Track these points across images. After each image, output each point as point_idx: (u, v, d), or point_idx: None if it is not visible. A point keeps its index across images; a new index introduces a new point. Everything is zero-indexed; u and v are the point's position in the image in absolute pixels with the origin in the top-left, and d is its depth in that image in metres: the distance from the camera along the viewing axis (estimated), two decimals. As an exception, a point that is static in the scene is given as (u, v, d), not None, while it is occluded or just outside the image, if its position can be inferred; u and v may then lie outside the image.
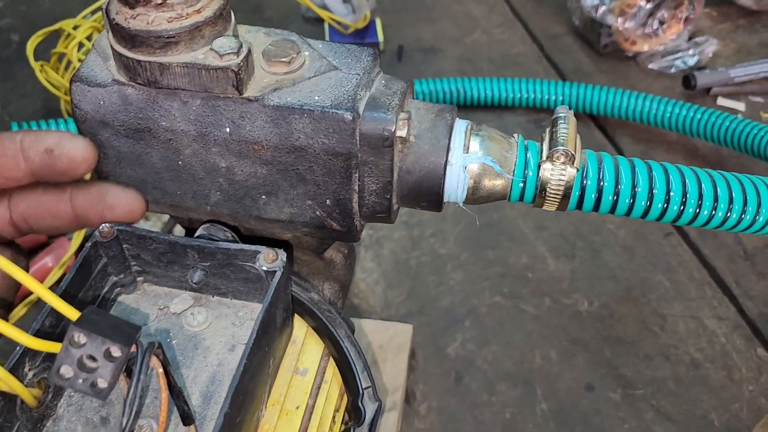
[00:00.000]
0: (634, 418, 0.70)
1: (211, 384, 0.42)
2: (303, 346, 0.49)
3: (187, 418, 0.37)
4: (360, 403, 0.46)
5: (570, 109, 1.02)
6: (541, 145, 0.45)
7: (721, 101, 1.03)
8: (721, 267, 0.83)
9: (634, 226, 0.87)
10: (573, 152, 0.43)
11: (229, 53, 0.40)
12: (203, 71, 0.40)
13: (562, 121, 0.44)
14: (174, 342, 0.44)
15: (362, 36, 1.08)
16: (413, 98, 0.47)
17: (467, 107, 1.00)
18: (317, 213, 0.46)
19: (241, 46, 0.41)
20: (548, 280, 0.81)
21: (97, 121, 0.44)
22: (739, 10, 1.17)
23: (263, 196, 0.46)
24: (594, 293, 0.80)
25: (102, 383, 0.33)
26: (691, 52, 1.06)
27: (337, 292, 0.56)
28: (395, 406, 0.63)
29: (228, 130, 0.43)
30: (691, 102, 1.03)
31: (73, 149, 0.42)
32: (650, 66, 1.06)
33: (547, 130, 0.45)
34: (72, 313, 0.33)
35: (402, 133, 0.41)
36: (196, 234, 0.47)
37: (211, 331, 0.44)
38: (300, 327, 0.49)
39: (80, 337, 0.32)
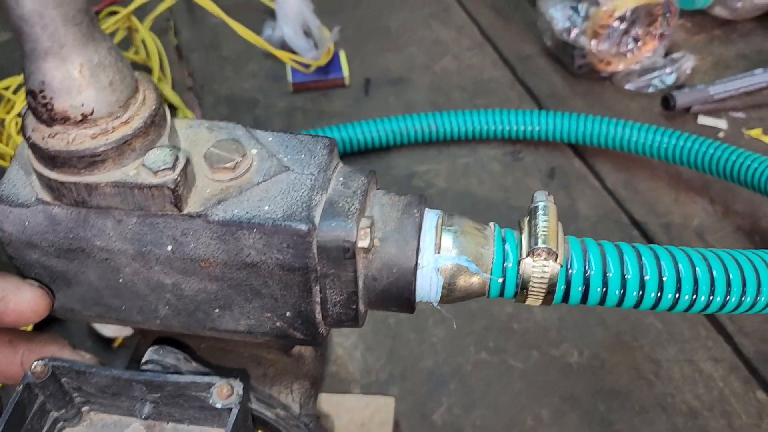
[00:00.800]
0: (633, 479, 0.66)
1: None
2: (272, 466, 0.44)
3: None
4: None
5: (549, 138, 0.96)
6: (520, 236, 0.41)
7: (702, 119, 0.99)
8: (713, 302, 0.79)
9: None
10: (555, 249, 0.39)
11: (163, 169, 0.35)
12: (136, 190, 0.36)
13: (542, 213, 0.40)
14: (125, 482, 0.40)
15: (326, 72, 1.03)
16: (377, 188, 0.43)
17: (440, 143, 0.96)
18: (277, 324, 0.42)
19: (177, 159, 0.36)
20: (535, 331, 0.77)
21: (24, 243, 0.39)
22: (713, 21, 1.13)
23: (216, 310, 0.41)
24: (583, 342, 0.76)
25: None
26: (668, 70, 1.02)
27: (308, 390, 0.51)
28: (380, 492, 0.59)
29: (170, 248, 0.38)
30: (671, 122, 1.00)
31: (19, 303, 0.38)
32: (627, 86, 1.03)
33: (526, 220, 0.41)
34: None
35: (364, 243, 0.37)
36: (144, 359, 0.43)
37: (167, 465, 0.40)
38: (267, 444, 0.45)
39: None
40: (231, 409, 0.37)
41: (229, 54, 1.11)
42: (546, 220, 0.40)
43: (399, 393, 0.71)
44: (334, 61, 1.04)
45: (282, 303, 0.40)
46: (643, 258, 0.41)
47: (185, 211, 0.37)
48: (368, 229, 0.37)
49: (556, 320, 0.78)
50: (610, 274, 0.40)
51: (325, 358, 0.55)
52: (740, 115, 1.00)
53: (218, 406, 0.37)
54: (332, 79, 1.03)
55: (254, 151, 0.40)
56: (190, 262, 0.38)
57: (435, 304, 0.42)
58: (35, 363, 0.38)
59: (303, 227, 0.36)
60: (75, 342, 0.58)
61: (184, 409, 0.40)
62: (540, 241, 0.39)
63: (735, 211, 0.89)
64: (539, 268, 0.40)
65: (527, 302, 0.41)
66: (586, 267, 0.40)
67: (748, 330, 0.77)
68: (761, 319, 0.78)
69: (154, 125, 0.37)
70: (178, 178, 0.36)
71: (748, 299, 0.42)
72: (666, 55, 1.05)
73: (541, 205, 0.41)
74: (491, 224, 0.42)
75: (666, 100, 0.98)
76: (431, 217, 0.41)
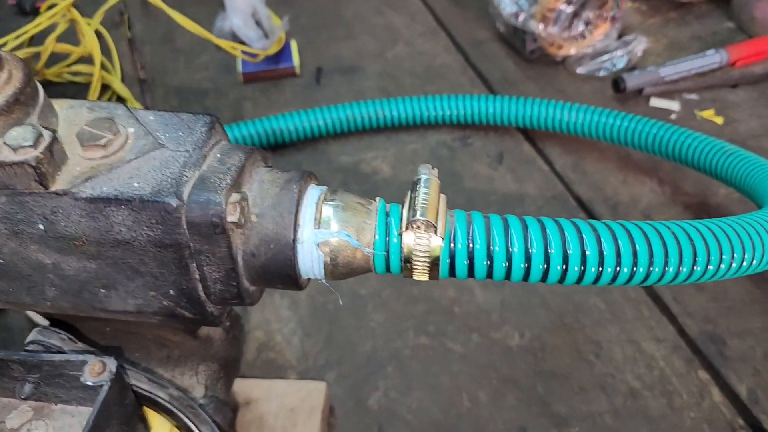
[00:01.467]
0: (569, 459, 0.66)
1: None
2: (168, 447, 0.44)
3: None
4: None
5: (499, 122, 0.95)
6: (402, 210, 0.40)
7: (654, 102, 0.99)
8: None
9: (566, 246, 0.83)
10: (434, 221, 0.38)
11: (24, 146, 0.35)
12: (-1, 168, 0.35)
13: (423, 185, 0.40)
14: (9, 466, 0.39)
15: (276, 61, 1.02)
16: (264, 166, 0.43)
17: (390, 129, 0.95)
18: (164, 303, 0.41)
19: (40, 136, 0.35)
20: (476, 314, 0.76)
21: None
22: (669, 3, 1.12)
23: (102, 290, 0.41)
24: (525, 324, 0.75)
25: None
26: (619, 53, 1.01)
27: (216, 372, 0.51)
28: (306, 477, 0.59)
29: (42, 227, 0.38)
30: (623, 105, 1.00)
31: None
32: (579, 70, 1.02)
33: (408, 194, 0.41)
34: None
35: (233, 218, 0.36)
36: (27, 340, 0.43)
37: (53, 448, 0.40)
38: (162, 426, 0.44)
39: None
40: (102, 386, 0.37)
41: (182, 46, 1.10)
42: (426, 193, 0.39)
43: (335, 378, 0.71)
44: (284, 51, 1.04)
45: (162, 281, 0.39)
46: (529, 230, 0.40)
47: (52, 189, 0.36)
48: (238, 204, 0.37)
49: (498, 303, 0.77)
50: (496, 248, 0.40)
51: (239, 341, 0.54)
52: (693, 96, 1.00)
53: (89, 383, 0.37)
54: (282, 69, 1.03)
55: (131, 130, 0.40)
56: (64, 240, 0.38)
57: (322, 280, 0.41)
58: None
59: (171, 202, 0.36)
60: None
61: (67, 390, 0.40)
62: (419, 213, 0.38)
63: (684, 191, 0.88)
64: (422, 241, 0.39)
65: (414, 277, 0.41)
66: (470, 240, 0.40)
67: (692, 310, 0.76)
68: (706, 299, 0.77)
69: (18, 104, 0.36)
70: (41, 155, 0.35)
71: (625, 270, 0.41)
72: (619, 37, 1.04)
73: (423, 178, 0.40)
74: (377, 199, 0.42)
75: (616, 83, 0.98)
76: (312, 193, 0.40)
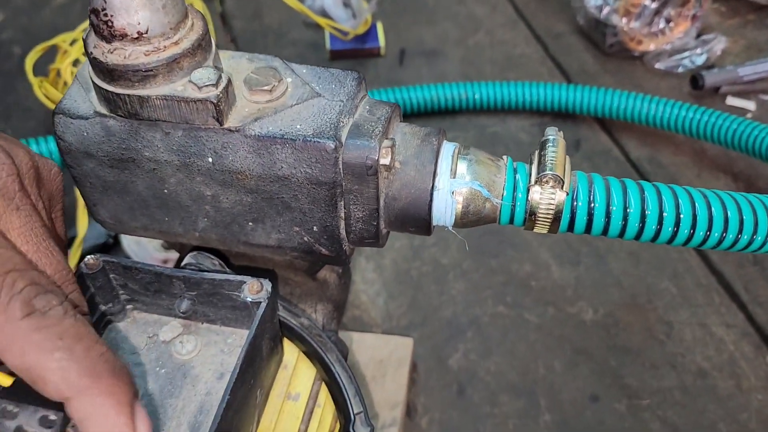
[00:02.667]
0: (639, 429, 0.69)
1: (199, 414, 0.42)
2: (294, 371, 0.48)
3: None
4: (351, 429, 0.46)
5: (576, 111, 1.00)
6: (530, 167, 0.44)
7: (731, 101, 1.01)
8: (729, 273, 0.81)
9: (639, 231, 0.86)
10: (562, 177, 0.42)
11: (207, 85, 0.40)
12: (182, 103, 0.40)
13: (551, 144, 0.44)
14: (163, 371, 0.44)
15: (363, 41, 1.07)
16: (400, 121, 0.47)
17: (470, 112, 0.99)
18: (305, 239, 0.46)
19: (220, 77, 0.40)
20: (552, 288, 0.80)
21: (81, 152, 0.44)
22: (748, 5, 1.14)
23: (250, 223, 0.46)
24: (599, 301, 0.79)
25: None
26: (698, 50, 1.04)
27: (331, 312, 0.55)
28: (395, 422, 0.63)
29: (211, 160, 0.42)
30: (699, 102, 1.02)
31: None
32: (657, 66, 1.04)
33: (536, 152, 0.44)
34: (4, 379, 0.33)
35: (386, 161, 0.41)
36: (183, 262, 0.47)
37: (200, 359, 0.44)
38: (291, 352, 0.49)
39: (13, 407, 0.32)
40: (260, 303, 0.41)
41: (271, 23, 1.15)
42: (555, 151, 0.43)
43: (418, 338, 0.75)
44: (371, 31, 1.08)
45: (310, 217, 0.44)
46: (645, 193, 0.44)
47: (226, 126, 0.41)
48: (389, 149, 0.41)
49: (573, 279, 0.81)
50: (613, 208, 0.44)
51: (348, 288, 0.59)
52: (769, 97, 1.02)
53: (248, 300, 0.42)
54: (369, 48, 1.07)
55: (289, 80, 0.44)
56: (229, 174, 0.42)
57: (449, 228, 0.45)
58: (88, 257, 0.43)
59: (330, 144, 0.40)
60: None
61: (217, 309, 0.45)
62: (548, 168, 0.42)
63: (758, 188, 0.91)
64: (547, 195, 0.43)
65: (536, 229, 0.45)
66: (591, 198, 0.43)
67: (763, 300, 0.79)
68: (775, 290, 0.80)
69: (200, 48, 0.41)
70: (221, 94, 0.40)
71: (745, 237, 0.45)
72: (698, 36, 1.06)
73: (551, 138, 0.44)
74: (504, 157, 0.46)
75: (695, 80, 1.00)
76: (448, 147, 0.44)
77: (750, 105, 1.00)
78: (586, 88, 0.94)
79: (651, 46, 1.04)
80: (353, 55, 1.07)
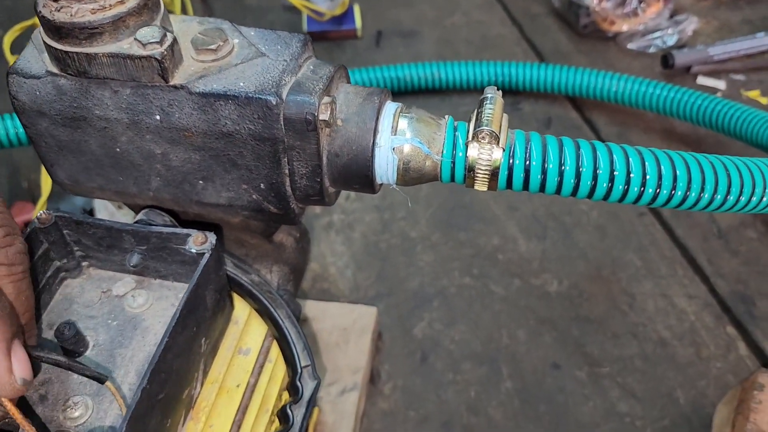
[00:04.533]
0: (599, 395, 0.70)
1: (146, 362, 0.43)
2: (245, 327, 0.50)
3: (98, 380, 0.39)
4: (298, 381, 0.47)
5: (548, 90, 1.01)
6: (469, 125, 0.45)
7: (701, 80, 1.02)
8: (693, 246, 0.83)
9: (606, 207, 0.87)
10: (497, 132, 0.44)
11: (152, 42, 0.41)
12: (128, 61, 0.41)
13: (489, 102, 0.45)
14: (115, 323, 0.45)
15: (340, 23, 1.08)
16: (348, 82, 0.48)
17: (444, 92, 1.01)
18: (253, 197, 0.47)
19: (164, 35, 0.41)
20: (518, 261, 0.81)
21: (35, 111, 0.45)
22: (722, -13, 1.16)
23: (200, 181, 0.47)
24: (564, 273, 0.80)
25: None
26: (670, 31, 1.05)
27: (287, 274, 0.57)
28: (356, 387, 0.64)
29: (158, 117, 0.44)
30: (670, 81, 1.03)
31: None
32: (629, 46, 1.06)
33: (475, 110, 0.46)
34: None
35: (325, 116, 0.42)
36: (135, 219, 0.49)
37: (151, 312, 0.46)
38: (243, 308, 0.50)
39: None
40: (203, 254, 0.43)
41: (250, 4, 1.17)
42: (491, 108, 0.44)
43: (384, 308, 0.76)
44: (348, 13, 1.09)
45: (256, 174, 0.45)
46: (581, 150, 0.45)
47: (171, 83, 0.42)
48: (329, 104, 0.42)
49: (539, 253, 0.82)
50: (549, 166, 0.45)
51: (306, 252, 0.60)
52: (740, 77, 1.03)
53: (193, 251, 0.43)
54: (345, 30, 1.08)
55: (236, 41, 0.45)
56: (176, 131, 0.44)
57: (393, 185, 0.47)
58: (41, 211, 0.44)
59: (271, 99, 0.41)
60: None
61: (167, 264, 0.46)
62: (484, 124, 0.43)
63: (725, 164, 0.92)
64: (485, 152, 0.44)
65: (475, 186, 0.46)
66: (528, 155, 0.45)
67: (725, 272, 0.80)
68: (739, 263, 0.81)
69: (146, 8, 0.42)
70: (165, 52, 0.41)
71: (679, 193, 0.46)
72: (670, 17, 1.08)
73: (489, 96, 0.45)
74: (446, 116, 0.47)
75: (665, 59, 1.01)
76: (391, 106, 0.46)
77: (720, 84, 1.01)
78: (556, 67, 0.96)
79: (624, 26, 1.06)
80: (330, 37, 1.09)
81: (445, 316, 0.76)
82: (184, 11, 1.08)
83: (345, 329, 0.69)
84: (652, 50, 1.06)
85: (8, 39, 0.88)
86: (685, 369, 0.72)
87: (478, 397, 0.70)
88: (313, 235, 0.84)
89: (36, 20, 0.90)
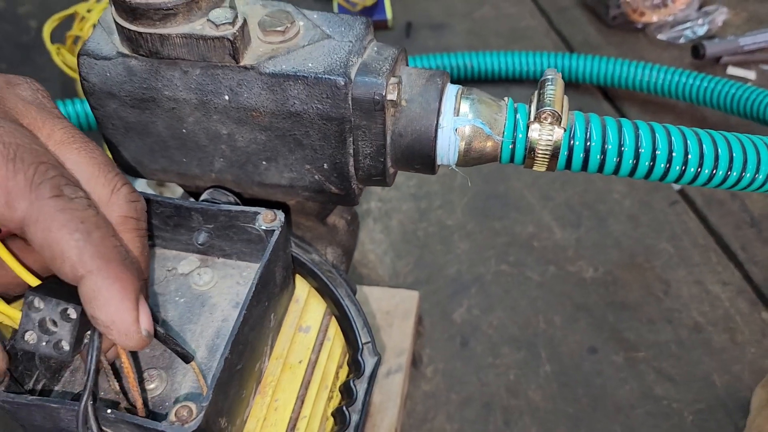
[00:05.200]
0: (635, 379, 0.71)
1: (216, 338, 0.44)
2: (305, 305, 0.51)
3: (185, 358, 0.40)
4: (360, 357, 0.48)
5: (578, 80, 1.01)
6: (530, 107, 0.46)
7: (732, 70, 1.03)
8: (726, 234, 0.84)
9: (639, 195, 0.88)
10: (560, 113, 0.44)
11: (224, 23, 0.42)
12: (201, 41, 0.42)
13: (550, 83, 0.46)
14: (182, 300, 0.46)
15: (370, 13, 1.09)
16: (407, 65, 0.49)
17: (475, 81, 1.01)
18: (316, 177, 0.48)
19: (236, 17, 0.43)
20: (553, 249, 0.82)
21: (105, 93, 0.47)
22: (750, -21, 1.16)
23: (264, 162, 0.48)
24: (598, 260, 0.81)
25: (65, 344, 0.34)
26: (700, 21, 1.05)
27: (340, 256, 0.58)
28: (401, 369, 0.65)
29: (227, 97, 0.45)
30: (700, 71, 1.03)
31: None
32: (659, 37, 1.06)
33: (536, 92, 0.47)
34: (32, 280, 0.35)
35: (392, 96, 0.43)
36: (201, 198, 0.50)
37: (217, 290, 0.47)
38: (302, 287, 0.51)
39: (38, 302, 0.34)
40: (273, 231, 0.44)
41: (280, -4, 1.18)
42: (553, 89, 0.45)
43: (423, 294, 0.77)
44: (378, 4, 1.10)
45: (320, 154, 0.46)
46: (640, 131, 0.46)
47: (241, 64, 0.43)
48: (396, 85, 0.43)
49: (573, 241, 0.83)
50: (609, 146, 0.46)
51: (356, 235, 0.61)
52: (769, 67, 1.04)
53: (263, 228, 0.44)
54: (376, 20, 1.09)
55: (301, 23, 0.47)
56: (244, 111, 0.45)
57: (453, 166, 0.48)
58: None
59: (340, 80, 0.43)
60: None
61: (233, 243, 0.47)
62: (546, 104, 0.44)
63: (756, 154, 0.92)
64: (545, 132, 0.45)
65: (534, 167, 0.47)
66: (588, 136, 0.46)
67: (759, 260, 0.81)
68: (772, 251, 0.82)
69: (217, -10, 0.44)
70: (237, 32, 0.42)
71: (734, 174, 0.47)
72: (700, 8, 1.08)
73: (550, 77, 0.46)
74: (506, 98, 0.48)
75: (696, 50, 1.02)
76: (452, 87, 0.47)
77: (750, 75, 1.02)
78: (588, 57, 0.96)
79: (653, 17, 1.06)
80: (361, 27, 1.10)
81: (483, 302, 0.77)
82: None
83: (388, 312, 0.70)
84: (682, 41, 1.06)
85: (47, 28, 0.89)
86: (720, 354, 0.73)
87: (518, 380, 0.71)
88: (350, 222, 0.85)
89: (75, 9, 0.91)
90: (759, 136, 0.49)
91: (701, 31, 1.06)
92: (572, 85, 1.00)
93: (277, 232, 0.43)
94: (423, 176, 0.88)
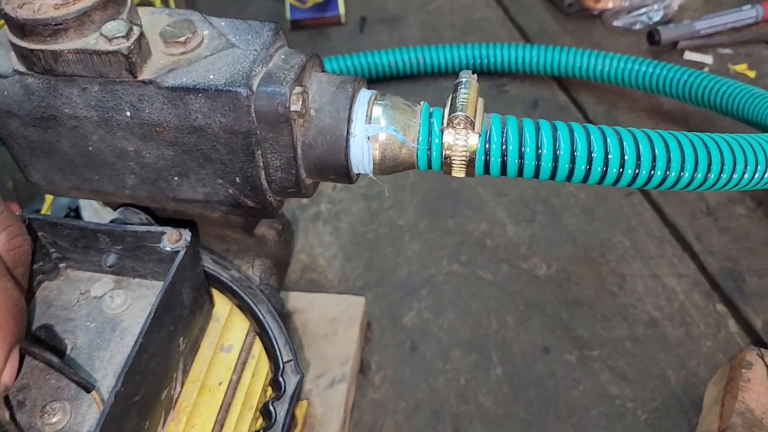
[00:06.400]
0: (589, 379, 0.70)
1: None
2: (227, 323, 0.49)
3: (85, 388, 0.38)
4: (280, 377, 0.47)
5: (530, 71, 0.99)
6: (444, 111, 0.45)
7: (688, 55, 1.01)
8: (682, 224, 0.82)
9: (594, 189, 0.86)
10: (472, 118, 0.43)
11: (118, 37, 0.40)
12: (95, 56, 0.41)
13: (463, 87, 0.44)
14: (93, 325, 0.45)
15: (323, 10, 1.07)
16: (322, 71, 0.47)
17: (430, 76, 1.00)
18: (230, 191, 0.46)
19: (131, 29, 0.41)
20: (506, 246, 0.81)
21: (4, 112, 0.45)
22: (708, -39, 1.14)
23: (175, 178, 0.46)
24: (552, 256, 0.79)
25: None
26: (656, 6, 1.04)
27: (270, 268, 0.56)
28: (345, 378, 0.64)
29: (128, 113, 0.43)
30: (657, 58, 1.02)
31: None
32: (615, 23, 1.05)
33: (449, 96, 0.45)
34: None
35: (297, 107, 0.41)
36: (111, 218, 0.48)
37: (130, 313, 0.45)
38: (223, 305, 0.50)
39: None
40: (178, 251, 0.42)
41: (233, -6, 1.16)
42: (466, 93, 0.44)
43: (373, 298, 0.76)
44: (331, 0, 1.08)
45: (231, 168, 0.44)
46: (558, 133, 0.45)
47: (140, 78, 0.42)
48: (300, 95, 0.41)
49: (527, 237, 0.81)
50: (527, 149, 0.44)
51: (289, 245, 0.59)
52: (727, 51, 1.02)
53: (167, 249, 0.42)
54: (329, 17, 1.07)
55: (206, 32, 0.45)
56: (147, 127, 0.43)
57: (370, 174, 0.46)
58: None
59: (242, 91, 0.41)
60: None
61: (145, 263, 0.46)
62: (458, 109, 0.43)
63: (713, 141, 0.91)
64: (461, 137, 0.44)
65: (453, 173, 0.46)
66: (504, 140, 0.44)
67: (715, 249, 0.80)
68: (728, 240, 0.81)
69: (112, 2, 0.42)
70: (132, 46, 0.40)
71: (659, 173, 0.46)
72: (656, -7, 1.07)
73: (463, 80, 0.45)
74: (422, 102, 0.46)
75: (651, 35, 1.00)
76: (365, 93, 0.45)
77: (707, 59, 1.01)
78: (541, 47, 0.95)
79: (609, 4, 1.05)
80: (313, 24, 1.08)
81: (433, 305, 0.76)
82: (165, 4, 1.07)
83: (333, 320, 0.69)
84: (638, 27, 1.05)
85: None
86: (675, 349, 0.72)
87: (468, 384, 0.70)
88: (301, 226, 0.83)
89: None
90: (695, 133, 0.48)
91: (657, 16, 1.04)
92: (527, 75, 0.99)
93: (181, 253, 0.42)
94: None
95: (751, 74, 0.99)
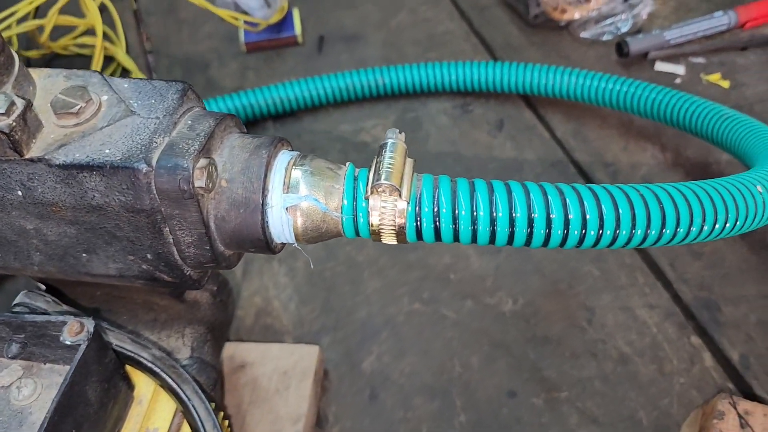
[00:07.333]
0: (557, 423, 0.66)
1: (29, 467, 0.39)
2: (151, 405, 0.46)
3: None
4: (206, 466, 0.43)
5: (499, 90, 0.93)
6: (369, 175, 0.41)
7: (660, 66, 0.97)
8: (654, 250, 0.79)
9: (563, 213, 0.83)
10: (397, 185, 0.39)
11: (-3, 114, 0.36)
12: (-26, 137, 0.37)
13: (388, 150, 0.40)
14: (-3, 420, 0.41)
15: (278, 30, 1.03)
16: (240, 132, 0.44)
17: (390, 97, 0.96)
18: (143, 267, 0.43)
19: (11, 104, 0.37)
20: (471, 280, 0.77)
21: None
22: (677, -34, 1.10)
23: (83, 254, 0.43)
24: (518, 290, 0.76)
25: None
26: (624, 16, 1.00)
27: (203, 335, 0.52)
28: (296, 437, 0.61)
29: (20, 193, 0.39)
30: (628, 69, 0.98)
31: None
32: (582, 35, 1.01)
33: (375, 158, 0.41)
34: None
35: (201, 183, 0.38)
36: (15, 302, 0.44)
37: (39, 404, 0.42)
38: (147, 385, 0.46)
39: None
40: (79, 345, 0.38)
41: (186, 17, 1.11)
42: (392, 157, 0.40)
43: (330, 343, 0.72)
44: (286, 20, 1.04)
45: (139, 245, 0.41)
46: (495, 194, 0.41)
47: (27, 156, 0.38)
48: (205, 169, 0.38)
49: (492, 269, 0.78)
50: (462, 212, 0.41)
51: (227, 306, 0.56)
52: (700, 60, 0.98)
53: (68, 342, 0.39)
54: (285, 38, 1.03)
55: (105, 98, 0.41)
56: (42, 206, 0.39)
57: (295, 244, 0.42)
58: None
59: (140, 168, 0.37)
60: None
61: (53, 350, 0.42)
62: (383, 177, 0.39)
63: (686, 157, 0.88)
64: (387, 205, 0.40)
65: (383, 240, 0.42)
66: (436, 204, 0.40)
67: (688, 277, 0.76)
68: (702, 266, 0.77)
69: (-7, 73, 0.38)
70: (13, 123, 0.36)
71: (592, 233, 0.42)
72: (624, 1, 1.02)
73: (389, 142, 0.41)
74: (347, 164, 0.43)
75: (620, 47, 0.96)
76: (283, 158, 0.41)
77: (679, 69, 0.97)
78: (506, 64, 0.91)
79: (576, 14, 1.01)
80: (269, 46, 1.03)
81: (394, 348, 0.72)
82: (114, 31, 1.03)
83: (285, 373, 0.65)
84: (606, 38, 1.01)
85: None
86: (647, 388, 0.69)
87: (431, 433, 0.66)
88: (255, 267, 0.79)
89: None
90: (646, 185, 0.44)
91: (625, 26, 1.00)
92: (492, 94, 0.95)
93: (83, 347, 0.38)
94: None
95: (725, 84, 0.95)
